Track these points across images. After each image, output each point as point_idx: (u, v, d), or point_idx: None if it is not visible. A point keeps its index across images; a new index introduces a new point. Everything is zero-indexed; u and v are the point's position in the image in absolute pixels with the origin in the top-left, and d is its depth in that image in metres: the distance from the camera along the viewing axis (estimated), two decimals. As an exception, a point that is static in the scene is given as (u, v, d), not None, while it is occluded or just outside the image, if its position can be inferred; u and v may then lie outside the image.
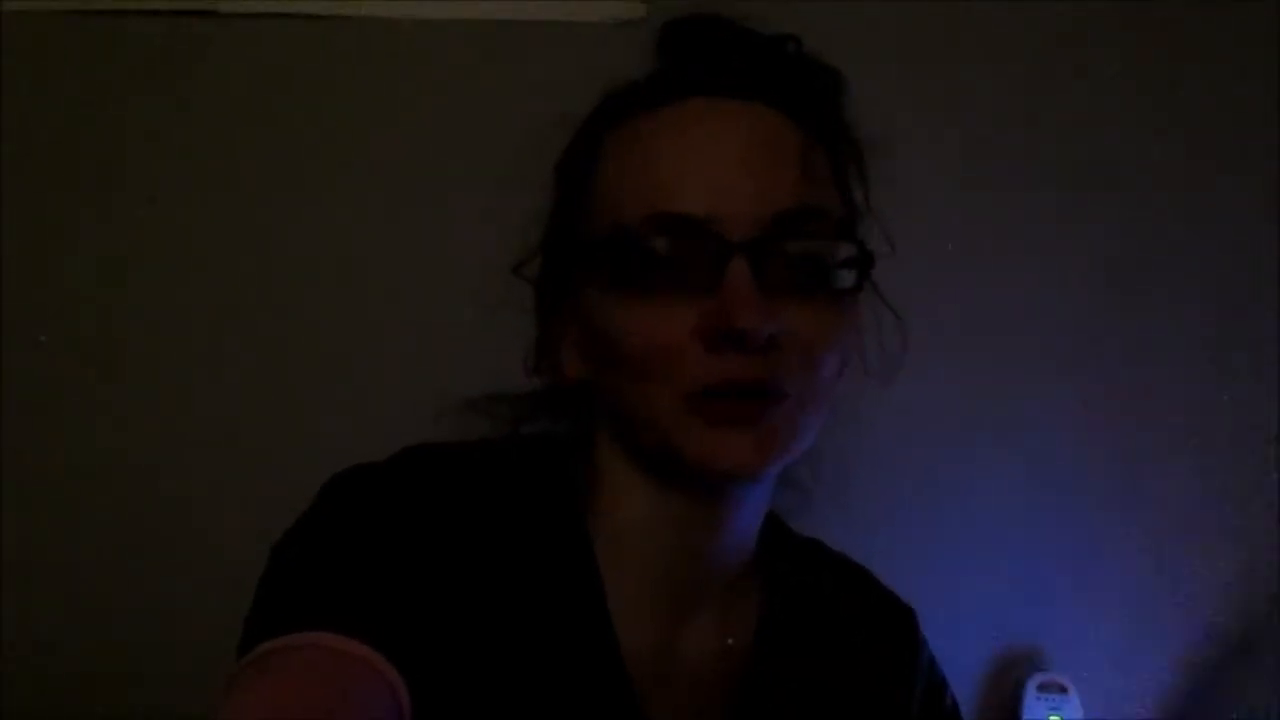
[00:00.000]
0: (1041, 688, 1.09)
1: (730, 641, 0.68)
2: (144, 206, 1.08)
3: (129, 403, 1.07)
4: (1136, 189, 1.15)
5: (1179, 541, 1.14)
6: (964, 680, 1.10)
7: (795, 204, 0.58)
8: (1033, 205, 1.14)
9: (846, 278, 0.60)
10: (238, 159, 1.09)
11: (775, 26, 0.74)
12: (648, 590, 0.64)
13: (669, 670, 0.65)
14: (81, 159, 1.08)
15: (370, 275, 1.10)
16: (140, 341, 1.08)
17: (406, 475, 0.60)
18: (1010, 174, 1.14)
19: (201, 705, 0.49)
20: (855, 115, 0.67)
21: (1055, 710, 1.08)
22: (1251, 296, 1.14)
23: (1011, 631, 1.13)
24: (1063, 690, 1.08)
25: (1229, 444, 1.14)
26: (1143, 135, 1.15)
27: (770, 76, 0.63)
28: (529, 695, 0.58)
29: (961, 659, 1.00)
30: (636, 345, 0.58)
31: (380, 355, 1.09)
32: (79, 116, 1.09)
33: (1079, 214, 1.15)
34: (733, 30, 0.65)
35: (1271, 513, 1.14)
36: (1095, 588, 1.13)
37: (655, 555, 0.64)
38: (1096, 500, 1.13)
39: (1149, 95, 1.15)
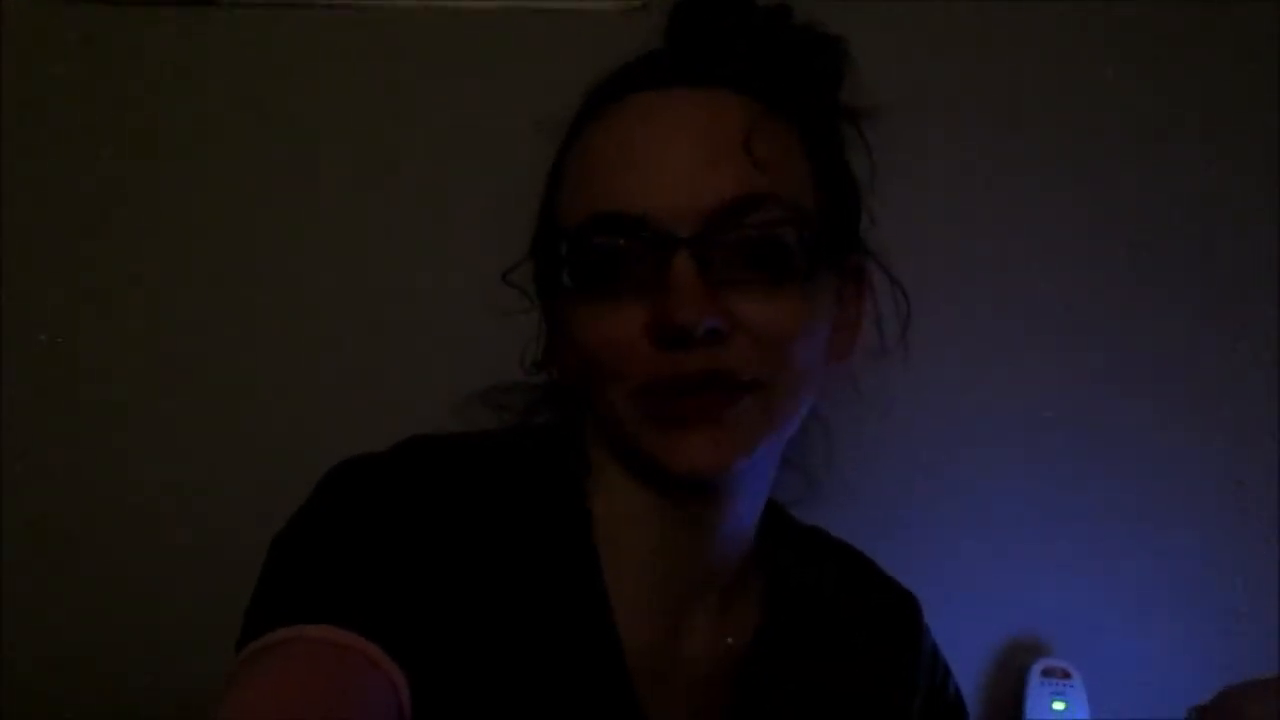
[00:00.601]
0: (1045, 673, 1.08)
1: (730, 641, 0.68)
2: (142, 203, 1.08)
3: (130, 400, 1.08)
4: (1141, 186, 1.14)
5: (1184, 528, 1.14)
6: (968, 666, 1.11)
7: (739, 193, 0.57)
8: (1039, 202, 1.14)
9: (810, 260, 0.58)
10: (238, 152, 1.09)
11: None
12: (646, 588, 0.64)
13: (670, 668, 0.65)
14: (80, 155, 1.08)
15: (374, 268, 1.10)
16: (141, 338, 1.08)
17: (407, 466, 0.60)
18: (1016, 170, 1.14)
19: (203, 699, 0.49)
20: (862, 82, 0.66)
21: (1059, 696, 1.08)
22: (1256, 293, 1.14)
23: (1015, 618, 1.13)
24: (1066, 676, 1.08)
25: (1236, 435, 1.14)
26: (1145, 133, 1.14)
27: (734, 58, 0.61)
28: (529, 691, 0.58)
29: (965, 645, 1.00)
30: (592, 345, 0.58)
31: (383, 348, 1.09)
32: (77, 110, 1.08)
33: (1087, 210, 1.14)
34: (718, 10, 0.63)
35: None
36: (1099, 574, 1.13)
37: (650, 553, 0.64)
38: (1101, 488, 1.13)
39: (1150, 94, 1.15)
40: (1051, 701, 1.08)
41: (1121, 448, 1.13)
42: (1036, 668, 1.09)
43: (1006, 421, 1.13)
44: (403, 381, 1.08)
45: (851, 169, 0.67)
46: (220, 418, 1.08)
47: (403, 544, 0.55)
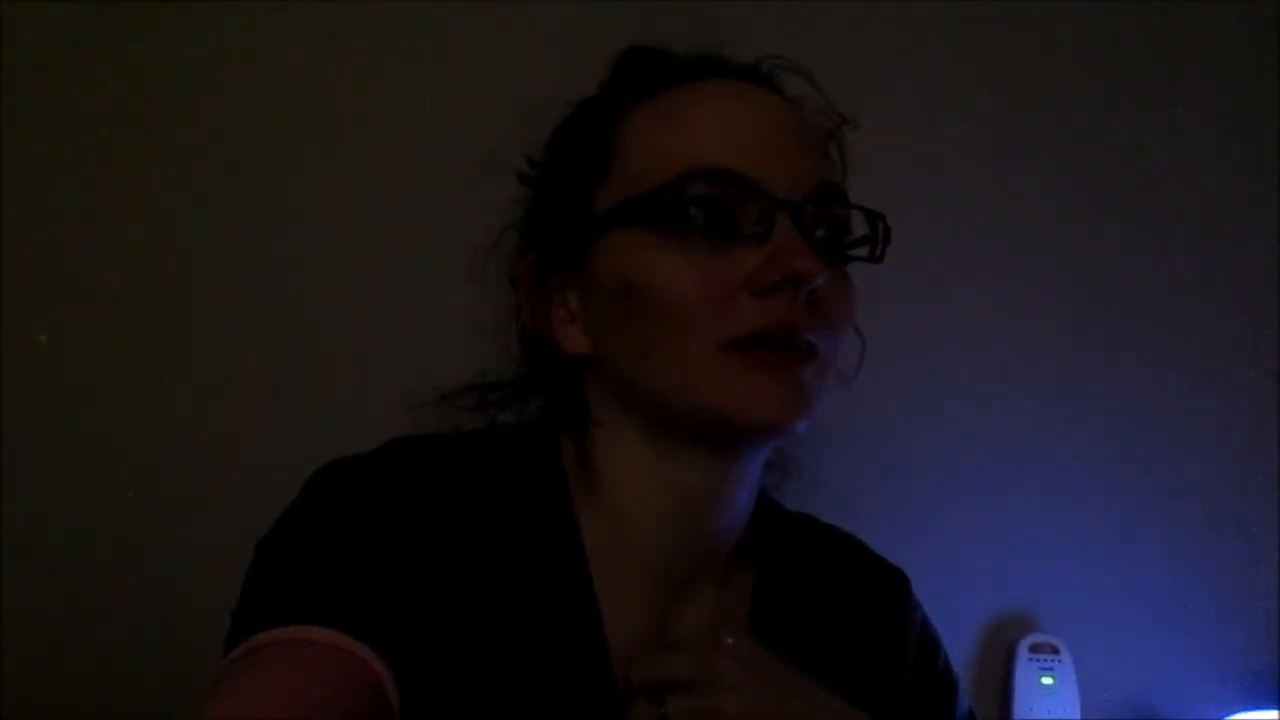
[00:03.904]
0: (1033, 649, 1.10)
1: (730, 642, 0.68)
2: (95, 201, 1.07)
3: (119, 402, 1.07)
4: (1139, 184, 1.15)
5: (1173, 503, 1.14)
6: (956, 643, 1.11)
7: (827, 179, 0.63)
8: (1030, 193, 1.14)
9: (880, 251, 0.65)
10: (202, 146, 1.07)
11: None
12: (640, 576, 0.64)
13: None
14: (71, 152, 1.07)
15: (347, 267, 1.08)
16: (137, 337, 1.07)
17: (392, 467, 0.60)
18: (1012, 167, 1.14)
19: (194, 702, 0.49)
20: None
21: (1047, 671, 1.09)
22: (1255, 290, 1.15)
23: (1003, 593, 1.14)
24: (1054, 651, 1.09)
25: (1228, 409, 1.15)
26: (1144, 132, 1.15)
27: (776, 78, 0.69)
28: (513, 689, 0.59)
29: (953, 621, 1.00)
30: (682, 295, 0.59)
31: (362, 349, 1.08)
32: (67, 107, 1.07)
33: (1080, 202, 1.15)
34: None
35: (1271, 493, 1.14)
36: (1087, 549, 1.14)
37: (654, 537, 0.65)
38: (1089, 465, 1.14)
39: (1149, 93, 1.15)
40: (1040, 677, 1.09)
41: (1111, 422, 1.14)
42: (1024, 643, 1.10)
43: (994, 396, 1.13)
44: (384, 377, 1.06)
45: None
46: (203, 417, 1.07)
47: (387, 544, 0.56)
